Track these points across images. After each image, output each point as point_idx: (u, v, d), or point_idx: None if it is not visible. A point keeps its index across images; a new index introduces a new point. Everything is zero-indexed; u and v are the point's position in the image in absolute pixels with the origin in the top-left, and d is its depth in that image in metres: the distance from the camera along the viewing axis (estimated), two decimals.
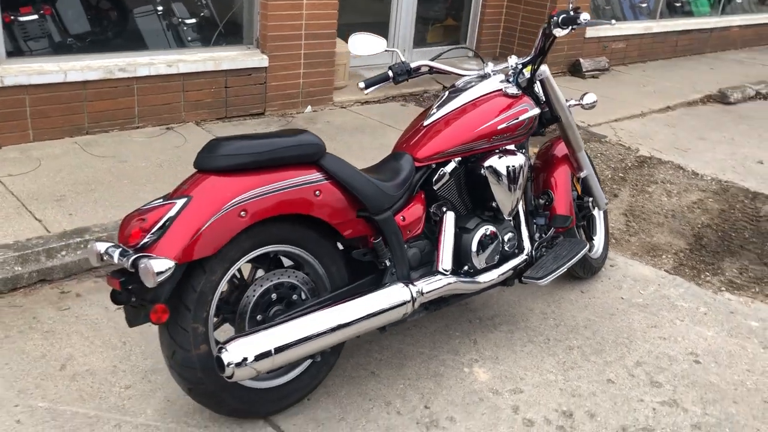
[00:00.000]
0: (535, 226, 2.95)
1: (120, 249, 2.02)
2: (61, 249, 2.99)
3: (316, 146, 2.23)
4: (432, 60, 2.99)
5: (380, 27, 6.60)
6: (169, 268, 1.90)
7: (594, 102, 3.13)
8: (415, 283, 2.40)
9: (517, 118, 2.74)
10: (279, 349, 2.05)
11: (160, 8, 4.83)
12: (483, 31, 7.23)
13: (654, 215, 4.31)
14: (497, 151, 2.72)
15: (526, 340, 2.89)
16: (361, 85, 2.85)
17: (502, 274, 2.72)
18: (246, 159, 2.11)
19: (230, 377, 1.98)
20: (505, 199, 2.71)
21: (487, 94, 2.77)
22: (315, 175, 2.23)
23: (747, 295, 3.42)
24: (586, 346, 2.89)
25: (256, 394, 2.26)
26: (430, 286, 2.44)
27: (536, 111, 2.83)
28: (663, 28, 8.37)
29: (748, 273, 3.67)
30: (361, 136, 4.96)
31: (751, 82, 7.59)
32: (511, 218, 2.81)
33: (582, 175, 3.25)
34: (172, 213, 2.01)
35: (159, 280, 1.88)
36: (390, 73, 2.89)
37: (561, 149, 3.22)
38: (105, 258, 2.05)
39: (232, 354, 1.97)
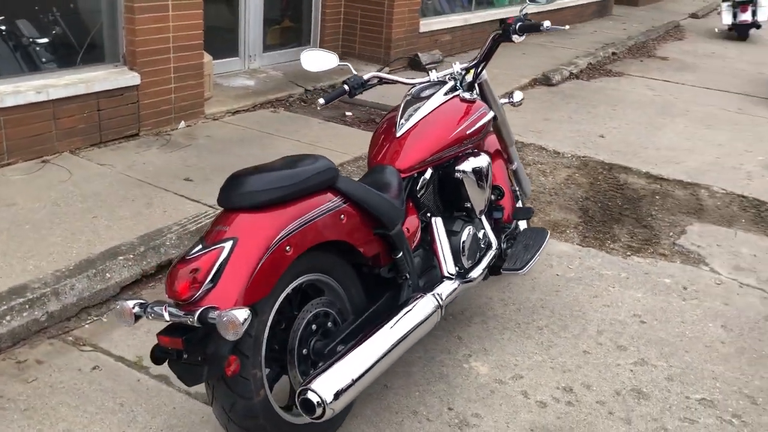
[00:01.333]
0: (494, 220, 3.14)
1: (167, 305, 1.88)
2: (5, 314, 2.63)
3: (333, 170, 2.22)
4: (378, 71, 3.06)
5: (229, 32, 6.42)
6: (249, 317, 1.81)
7: (521, 99, 3.38)
8: (437, 293, 2.47)
9: (480, 122, 2.90)
10: (357, 379, 2.03)
11: (2, 27, 4.32)
12: (325, 30, 7.30)
13: (541, 195, 4.73)
14: (463, 154, 2.85)
15: (501, 328, 3.08)
16: (321, 101, 2.84)
17: (484, 269, 2.87)
18: (279, 193, 2.05)
19: (321, 417, 1.93)
20: (479, 198, 2.87)
21: (447, 101, 2.89)
22: (336, 200, 2.22)
23: (648, 256, 3.91)
24: (551, 324, 3.15)
25: (305, 429, 2.21)
26: (446, 292, 2.53)
27: (492, 114, 3.00)
28: (478, 18, 9.01)
29: (637, 236, 4.19)
30: (249, 147, 4.83)
31: (563, 64, 8.47)
32: (482, 216, 2.97)
33: (513, 167, 3.49)
34: (222, 258, 1.91)
35: (242, 331, 1.78)
36: (346, 87, 2.91)
37: (493, 144, 3.43)
38: (151, 317, 1.90)
39: (320, 393, 1.92)
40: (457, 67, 3.09)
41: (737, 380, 2.85)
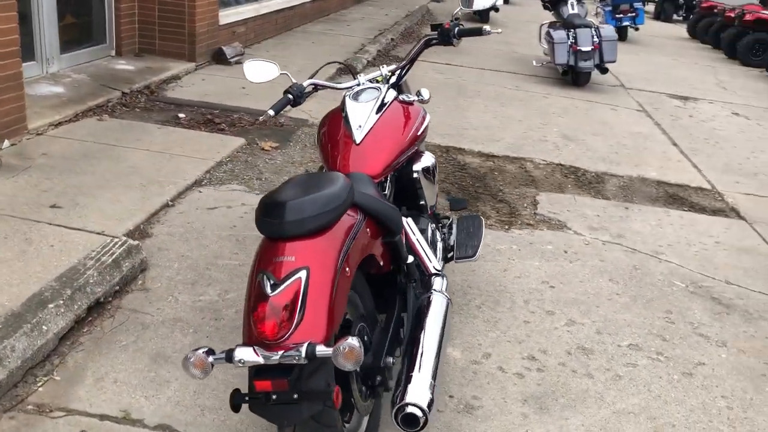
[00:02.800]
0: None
1: (254, 348, 1.80)
2: None
3: (352, 186, 2.23)
4: (311, 77, 3.07)
5: (23, 35, 5.66)
6: (360, 343, 1.80)
7: (429, 96, 3.57)
8: (439, 289, 2.59)
9: (425, 123, 3.04)
10: (434, 382, 2.09)
11: None
12: (121, 27, 6.77)
13: None
14: (414, 154, 2.99)
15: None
16: (271, 113, 2.80)
17: (442, 261, 3.05)
18: (328, 216, 2.03)
19: (425, 426, 1.96)
20: (431, 195, 3.03)
21: (390, 105, 2.98)
22: (359, 215, 2.25)
23: (521, 227, 4.39)
24: (486, 302, 3.44)
25: None
26: (444, 287, 2.66)
27: (428, 116, 3.15)
28: (267, 8, 8.96)
29: (501, 211, 4.66)
30: (99, 163, 4.40)
31: (356, 52, 8.82)
32: (432, 212, 3.13)
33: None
34: (302, 291, 1.86)
35: (362, 358, 1.77)
36: (290, 96, 2.89)
37: None
38: (241, 363, 1.80)
39: (420, 404, 1.96)
40: (384, 70, 3.19)
41: (644, 323, 3.39)
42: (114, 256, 3.14)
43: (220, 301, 3.17)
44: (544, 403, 2.74)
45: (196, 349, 1.85)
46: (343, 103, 2.99)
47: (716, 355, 3.19)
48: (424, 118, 3.05)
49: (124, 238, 3.32)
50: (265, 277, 1.90)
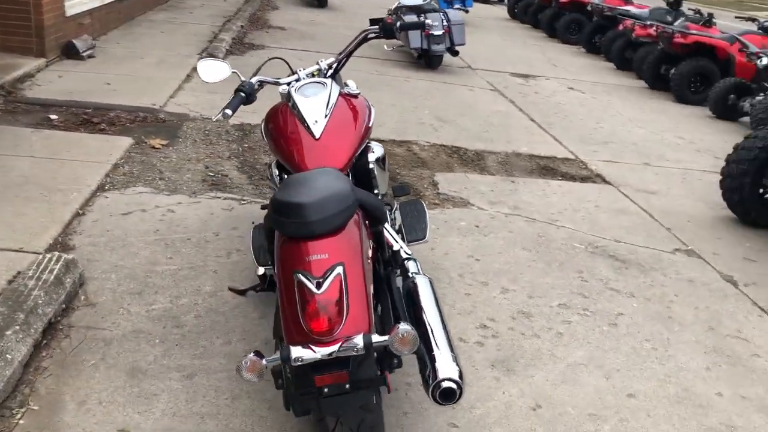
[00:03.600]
0: None
1: (308, 345, 1.86)
2: None
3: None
4: (254, 75, 3.09)
5: None
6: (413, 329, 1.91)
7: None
8: (417, 271, 2.73)
9: (372, 114, 3.15)
10: (454, 354, 2.22)
11: None
12: None
13: None
14: (366, 146, 3.09)
15: None
16: (229, 112, 2.80)
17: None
18: (348, 213, 2.12)
19: (460, 397, 2.10)
20: (383, 184, 3.15)
21: (338, 98, 3.06)
22: (358, 208, 2.33)
23: (431, 207, 4.63)
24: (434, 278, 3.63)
25: None
26: (419, 269, 2.80)
27: (373, 107, 3.26)
28: None
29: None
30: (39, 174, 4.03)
31: (210, 40, 8.58)
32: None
33: None
34: (344, 286, 1.94)
35: (418, 343, 1.89)
36: (243, 95, 2.90)
37: None
38: (299, 362, 1.85)
39: (454, 378, 2.08)
40: (323, 63, 3.26)
41: (564, 285, 3.78)
42: (55, 273, 2.94)
43: (175, 308, 3.09)
44: (509, 366, 3.00)
45: (248, 355, 1.87)
46: (290, 98, 3.02)
47: (629, 305, 3.64)
48: (370, 110, 3.15)
49: (58, 254, 3.11)
50: (303, 276, 1.95)
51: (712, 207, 5.24)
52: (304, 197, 2.07)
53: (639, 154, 6.49)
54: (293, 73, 3.25)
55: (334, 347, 1.87)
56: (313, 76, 3.28)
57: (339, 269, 1.97)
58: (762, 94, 7.97)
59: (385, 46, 9.69)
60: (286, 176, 2.95)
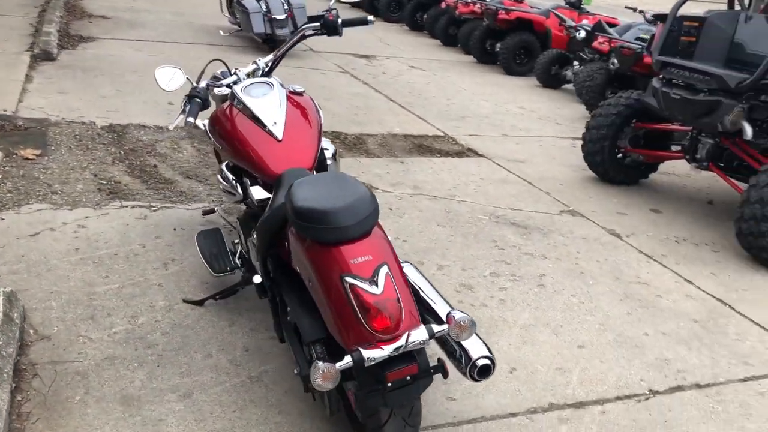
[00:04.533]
0: None
1: (376, 344, 1.94)
2: None
3: None
4: (199, 79, 3.06)
5: None
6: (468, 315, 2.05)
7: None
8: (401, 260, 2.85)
9: (319, 111, 3.17)
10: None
11: None
12: None
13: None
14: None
15: None
16: (190, 119, 2.76)
17: None
18: (376, 215, 2.18)
19: (494, 369, 2.24)
20: None
21: (286, 97, 3.05)
22: None
23: None
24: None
25: None
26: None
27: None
28: None
29: None
30: None
31: (33, 33, 7.83)
32: None
33: None
34: (394, 283, 2.03)
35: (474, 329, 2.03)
36: (199, 101, 2.85)
37: None
38: (372, 362, 1.93)
39: (484, 354, 2.22)
40: (261, 62, 3.23)
41: (487, 255, 4.08)
42: (2, 310, 2.68)
43: (137, 329, 2.94)
44: None
45: (316, 363, 1.90)
46: (238, 99, 2.98)
47: (546, 266, 4.03)
48: (318, 106, 3.18)
49: None
50: (355, 279, 2.00)
51: (575, 170, 5.86)
52: (335, 202, 2.11)
53: (494, 126, 7.02)
54: (231, 73, 3.18)
55: (400, 342, 1.96)
56: (248, 76, 3.25)
57: (385, 268, 2.05)
58: (578, 63, 8.91)
59: (221, 32, 9.46)
60: (247, 180, 2.92)
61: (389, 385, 2.00)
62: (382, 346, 1.95)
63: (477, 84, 9.02)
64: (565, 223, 4.67)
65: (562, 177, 5.66)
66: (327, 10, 3.25)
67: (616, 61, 7.44)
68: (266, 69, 3.27)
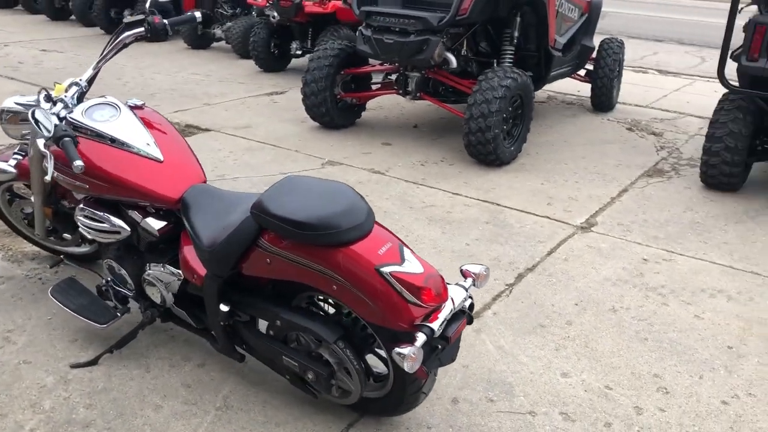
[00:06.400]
0: None
1: (436, 320, 2.14)
2: None
3: None
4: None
5: None
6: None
7: None
8: None
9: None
10: None
11: None
12: None
13: None
14: None
15: None
16: (79, 163, 2.45)
17: None
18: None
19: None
20: None
21: (137, 115, 2.79)
22: None
23: None
24: None
25: None
26: None
27: None
28: None
29: None
30: None
31: None
32: None
33: None
34: (422, 259, 2.23)
35: None
36: (70, 138, 2.53)
37: None
38: (440, 331, 2.12)
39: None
40: (83, 81, 2.86)
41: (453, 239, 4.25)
42: None
43: (53, 415, 2.53)
44: None
45: (401, 348, 2.03)
46: (90, 130, 2.65)
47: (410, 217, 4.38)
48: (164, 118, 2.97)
49: None
50: (390, 267, 2.13)
51: (296, 123, 6.20)
52: (338, 205, 2.16)
53: (190, 98, 6.90)
54: (54, 101, 2.75)
55: (449, 306, 2.17)
56: (75, 99, 2.85)
57: (405, 248, 2.22)
58: (224, 21, 9.07)
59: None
60: (133, 213, 2.66)
61: (438, 347, 2.20)
62: (438, 315, 2.15)
63: (130, 57, 8.55)
64: (334, 174, 5.04)
65: (293, 133, 5.96)
66: (146, 13, 2.96)
67: (276, 13, 7.80)
68: (88, 87, 2.89)
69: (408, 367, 2.05)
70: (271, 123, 6.17)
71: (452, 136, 6.10)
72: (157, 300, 2.73)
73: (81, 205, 2.75)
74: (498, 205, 4.63)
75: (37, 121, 2.44)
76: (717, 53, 12.39)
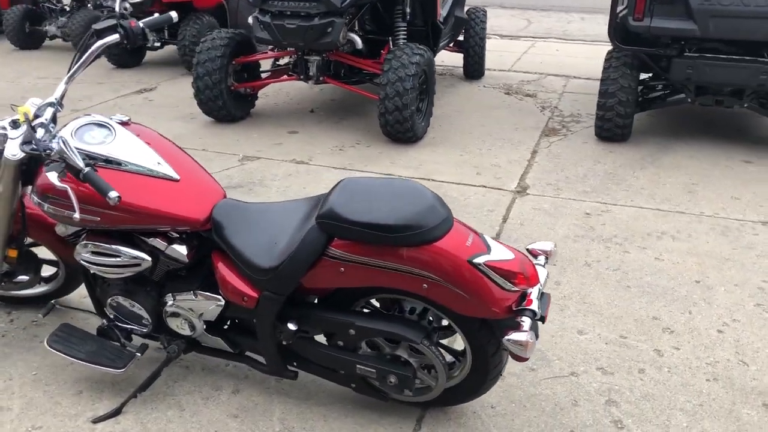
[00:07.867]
0: None
1: (524, 301, 2.17)
2: None
3: None
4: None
5: None
6: None
7: None
8: None
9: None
10: None
11: None
12: None
13: None
14: None
15: None
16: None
17: None
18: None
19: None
20: None
21: (134, 132, 2.50)
22: None
23: None
24: None
25: None
26: None
27: None
28: None
29: None
30: None
31: None
32: None
33: None
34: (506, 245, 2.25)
35: None
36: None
37: None
38: (542, 308, 2.16)
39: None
40: (55, 98, 2.48)
41: None
42: None
43: None
44: None
45: (510, 336, 2.05)
46: (89, 155, 2.35)
47: None
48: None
49: None
50: (481, 257, 2.12)
51: (190, 121, 5.83)
52: (418, 203, 2.10)
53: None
54: (33, 126, 2.37)
55: (539, 286, 2.20)
56: (53, 120, 2.48)
57: (486, 236, 2.21)
58: (54, 16, 8.23)
59: None
60: (154, 240, 2.40)
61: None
62: (530, 297, 2.17)
63: None
64: (258, 169, 4.83)
65: (188, 131, 5.60)
66: (117, 16, 2.60)
67: (128, 4, 7.22)
68: (62, 103, 2.52)
69: (526, 353, 2.06)
70: (158, 124, 5.73)
71: (354, 117, 6.06)
72: (186, 331, 2.50)
73: (84, 241, 2.43)
74: (434, 180, 4.71)
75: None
76: (538, 15, 13.43)
